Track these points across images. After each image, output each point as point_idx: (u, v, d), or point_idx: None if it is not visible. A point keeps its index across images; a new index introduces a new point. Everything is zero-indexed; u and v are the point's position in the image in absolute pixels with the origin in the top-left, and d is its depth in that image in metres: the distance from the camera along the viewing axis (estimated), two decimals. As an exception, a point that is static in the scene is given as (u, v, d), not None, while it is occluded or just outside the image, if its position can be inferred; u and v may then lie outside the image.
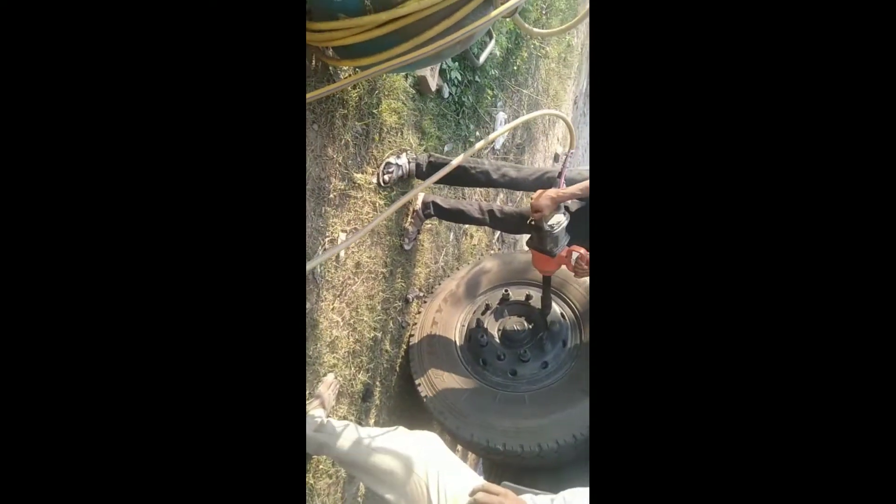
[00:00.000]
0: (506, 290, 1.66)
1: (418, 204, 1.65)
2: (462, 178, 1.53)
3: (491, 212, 1.59)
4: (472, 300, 1.69)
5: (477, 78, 1.94)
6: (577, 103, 3.83)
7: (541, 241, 1.31)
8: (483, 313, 1.63)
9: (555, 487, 0.85)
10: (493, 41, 1.86)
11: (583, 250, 1.32)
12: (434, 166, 1.54)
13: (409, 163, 1.52)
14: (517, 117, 2.52)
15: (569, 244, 1.33)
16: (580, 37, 3.62)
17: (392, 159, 1.49)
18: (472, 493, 0.74)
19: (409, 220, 1.65)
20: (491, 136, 1.24)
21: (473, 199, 2.10)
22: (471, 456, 1.97)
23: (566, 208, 1.35)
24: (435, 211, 1.64)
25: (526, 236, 1.75)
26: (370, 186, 1.48)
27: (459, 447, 1.82)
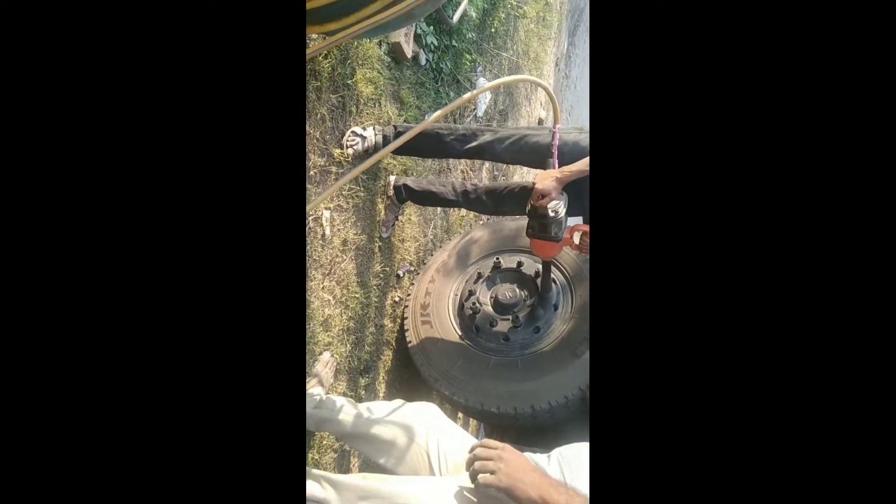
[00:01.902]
0: (497, 259, 1.65)
1: (390, 190, 1.55)
2: (436, 147, 1.44)
3: (465, 192, 1.47)
4: (463, 270, 1.69)
5: (454, 42, 1.89)
6: (559, 65, 3.75)
7: (544, 228, 1.20)
8: (475, 282, 1.63)
9: (552, 446, 0.87)
10: None
11: (586, 227, 1.25)
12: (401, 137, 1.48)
13: (375, 135, 1.41)
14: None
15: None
16: (558, -6, 3.51)
17: (357, 129, 1.38)
18: (472, 449, 0.75)
19: (384, 207, 1.57)
20: (458, 101, 1.11)
21: (449, 178, 1.98)
22: (472, 423, 2.01)
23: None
24: (407, 194, 1.54)
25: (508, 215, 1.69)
26: (350, 162, 1.45)
27: (461, 415, 1.85)
